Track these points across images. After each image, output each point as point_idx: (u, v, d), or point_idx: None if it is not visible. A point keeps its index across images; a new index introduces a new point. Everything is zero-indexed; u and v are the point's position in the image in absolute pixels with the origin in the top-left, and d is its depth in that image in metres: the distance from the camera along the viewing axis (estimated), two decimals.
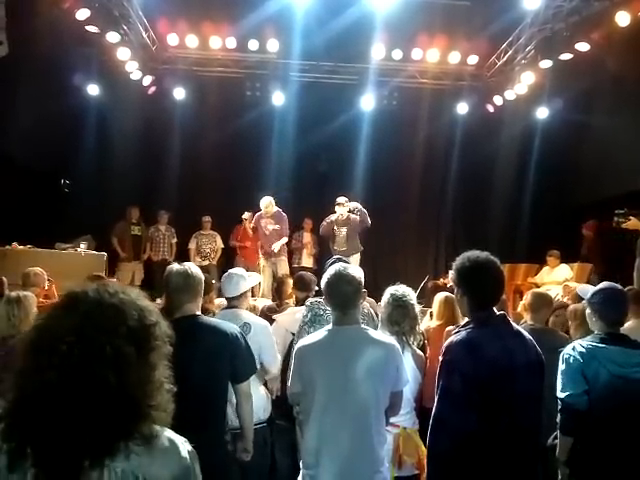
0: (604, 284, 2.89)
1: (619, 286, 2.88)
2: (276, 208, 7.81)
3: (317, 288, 4.12)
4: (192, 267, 2.82)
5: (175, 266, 2.82)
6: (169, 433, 1.26)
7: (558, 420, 2.70)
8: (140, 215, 9.14)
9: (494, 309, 2.37)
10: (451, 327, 3.55)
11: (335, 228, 7.52)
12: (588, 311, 2.85)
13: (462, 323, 2.43)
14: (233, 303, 3.42)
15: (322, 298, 3.41)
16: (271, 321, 3.95)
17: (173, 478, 1.21)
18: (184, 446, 1.27)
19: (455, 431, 2.19)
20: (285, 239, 7.83)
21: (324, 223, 7.65)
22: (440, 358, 2.33)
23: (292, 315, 4.02)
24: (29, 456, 1.12)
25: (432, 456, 2.29)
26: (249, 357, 2.84)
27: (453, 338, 2.33)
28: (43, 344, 1.15)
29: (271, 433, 3.45)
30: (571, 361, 2.67)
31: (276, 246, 7.56)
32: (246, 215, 8.12)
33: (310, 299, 3.76)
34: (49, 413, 1.11)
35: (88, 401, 1.11)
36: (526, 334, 2.39)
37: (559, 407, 2.69)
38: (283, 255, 7.77)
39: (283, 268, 7.58)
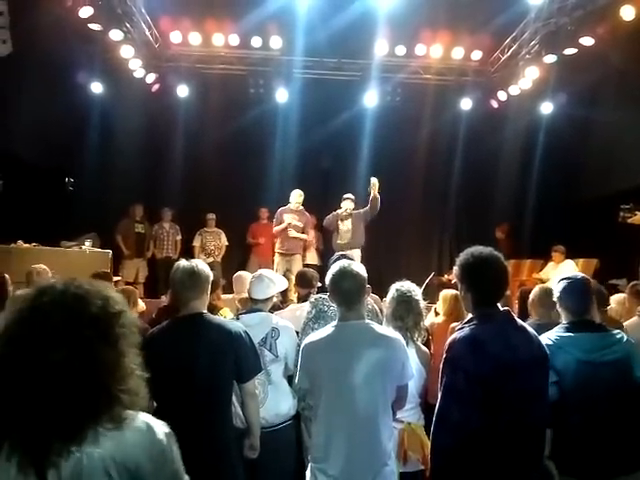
0: (568, 274, 2.91)
1: (582, 275, 2.88)
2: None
3: (320, 284, 4.12)
4: (199, 264, 2.81)
5: (182, 262, 2.81)
6: (144, 416, 1.31)
7: None
8: (144, 213, 9.17)
9: (498, 305, 2.36)
10: (455, 323, 3.55)
11: (339, 221, 7.51)
12: (555, 301, 2.86)
13: (466, 319, 2.43)
14: (259, 306, 3.40)
15: (326, 294, 3.43)
16: None
17: (149, 459, 1.26)
18: (160, 428, 1.32)
19: (458, 427, 2.18)
20: (305, 236, 7.80)
21: (329, 216, 7.65)
22: (443, 355, 2.32)
23: (292, 312, 4.03)
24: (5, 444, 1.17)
25: (435, 452, 2.29)
26: (253, 357, 2.83)
27: (456, 335, 2.33)
28: (9, 332, 1.22)
29: (298, 427, 3.43)
30: None
31: (292, 233, 7.54)
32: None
33: (314, 295, 3.76)
34: (16, 399, 1.17)
35: (52, 385, 1.17)
36: (530, 330, 2.38)
37: None
38: (298, 253, 7.74)
39: (297, 266, 7.55)
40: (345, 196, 7.64)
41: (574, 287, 2.77)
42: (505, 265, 2.38)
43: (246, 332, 2.81)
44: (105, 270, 5.23)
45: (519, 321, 2.39)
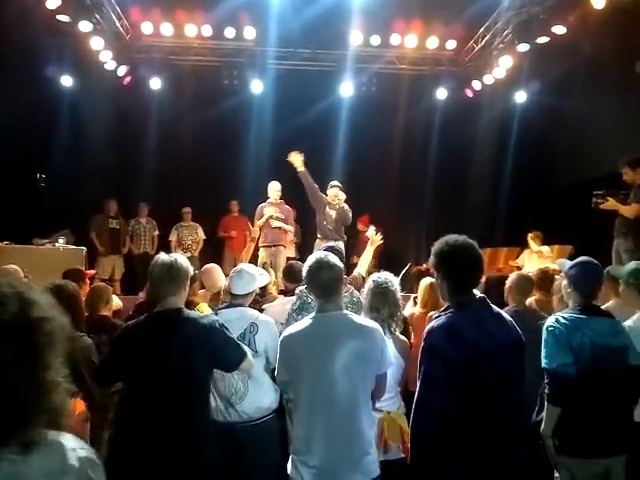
0: (582, 258, 2.98)
1: (595, 261, 2.96)
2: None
3: None
4: (179, 258, 2.76)
5: (162, 256, 2.76)
6: (64, 438, 1.15)
7: (546, 391, 2.76)
8: (118, 208, 9.03)
9: (474, 292, 2.38)
10: (433, 312, 3.57)
11: (328, 208, 7.29)
12: (565, 282, 2.94)
13: (442, 308, 2.44)
14: (239, 301, 3.36)
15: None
16: (259, 311, 3.94)
17: None
18: (75, 453, 1.15)
19: (437, 415, 2.21)
20: (290, 227, 7.68)
21: (319, 195, 7.39)
22: (421, 343, 2.33)
23: (282, 306, 4.00)
24: None
25: (415, 439, 2.32)
26: (233, 345, 2.79)
27: (434, 323, 2.35)
28: None
29: (282, 420, 3.42)
30: (557, 332, 2.74)
31: (275, 223, 7.41)
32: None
33: (300, 287, 3.74)
34: None
35: None
36: (506, 316, 2.42)
37: (547, 379, 2.75)
38: (282, 244, 7.63)
39: (282, 258, 7.46)
40: (332, 184, 7.35)
41: (589, 270, 2.87)
42: (480, 253, 2.39)
43: (221, 324, 2.77)
44: (77, 267, 5.12)
45: (495, 308, 2.42)
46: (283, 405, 3.37)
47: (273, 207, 7.52)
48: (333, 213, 7.17)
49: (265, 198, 7.64)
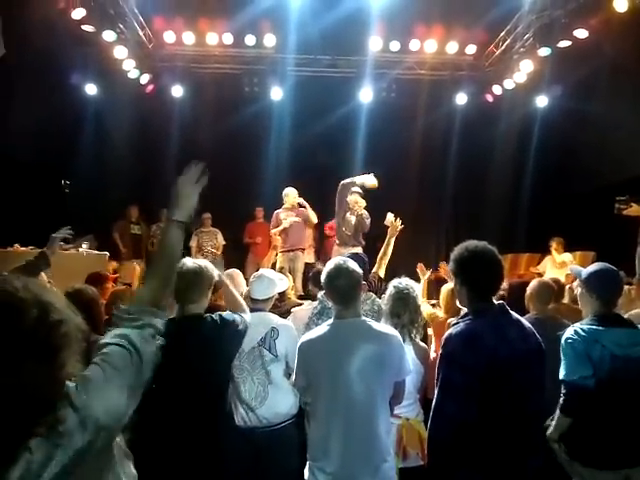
0: (599, 264, 2.92)
1: (613, 266, 2.89)
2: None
3: None
4: (204, 264, 2.79)
5: (187, 262, 2.77)
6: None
7: (560, 401, 2.72)
8: (139, 214, 9.16)
9: (493, 299, 2.36)
10: (452, 319, 3.55)
11: (348, 214, 7.26)
12: (582, 290, 2.88)
13: (461, 314, 2.43)
14: (260, 305, 3.37)
15: None
16: (287, 314, 3.94)
17: (89, 438, 1.18)
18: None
19: (455, 422, 2.20)
20: (312, 216, 7.63)
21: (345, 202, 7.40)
22: (440, 350, 2.33)
23: (309, 311, 4.00)
24: None
25: (433, 446, 2.31)
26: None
27: (452, 330, 2.33)
28: None
29: (301, 425, 3.40)
30: (575, 345, 2.70)
31: (288, 220, 7.42)
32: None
33: (321, 292, 3.76)
34: None
35: None
36: (526, 323, 2.39)
37: (564, 389, 2.71)
38: (300, 249, 7.64)
39: (300, 263, 7.47)
40: (354, 189, 7.22)
41: (608, 276, 2.81)
42: (500, 259, 2.37)
43: (238, 324, 2.82)
44: (99, 271, 5.20)
45: (514, 314, 2.39)
46: (303, 411, 3.37)
47: (287, 212, 7.54)
48: (353, 219, 7.16)
49: (281, 202, 7.68)
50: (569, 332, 2.77)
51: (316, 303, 3.69)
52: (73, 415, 1.18)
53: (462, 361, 2.20)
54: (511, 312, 2.38)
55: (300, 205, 7.65)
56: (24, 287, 1.16)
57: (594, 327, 2.71)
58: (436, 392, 2.29)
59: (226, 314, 2.82)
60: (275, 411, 3.19)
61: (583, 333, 2.70)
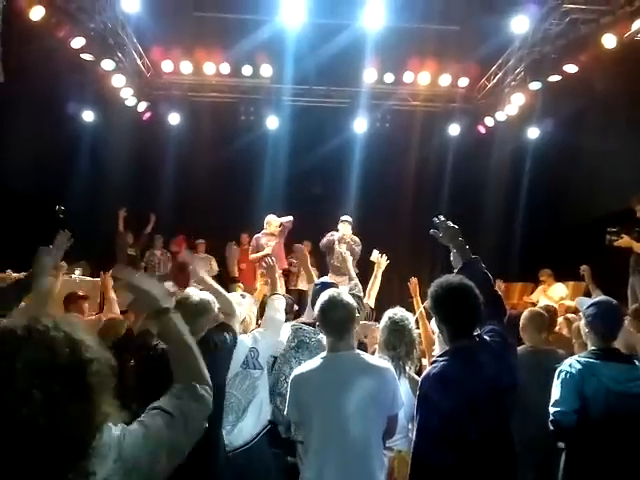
0: (600, 297, 2.92)
1: (614, 300, 2.87)
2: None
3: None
4: (204, 297, 2.87)
5: (193, 294, 2.85)
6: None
7: (551, 430, 2.69)
8: (134, 240, 9.18)
9: (473, 335, 2.31)
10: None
11: (336, 244, 7.36)
12: (582, 323, 2.86)
13: (440, 353, 2.40)
14: None
15: (305, 322, 3.43)
16: None
17: None
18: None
19: (433, 467, 2.14)
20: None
21: (325, 239, 7.50)
22: (417, 391, 2.29)
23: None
24: None
25: None
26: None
27: (428, 371, 2.30)
28: None
29: (271, 439, 3.41)
30: (568, 377, 2.66)
31: (269, 246, 7.45)
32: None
33: (293, 323, 3.74)
34: None
35: (19, 446, 1.06)
36: (508, 356, 2.34)
37: (550, 422, 2.67)
38: (281, 274, 7.64)
39: (282, 289, 7.46)
40: (343, 218, 7.46)
41: (607, 310, 2.77)
42: (476, 293, 2.29)
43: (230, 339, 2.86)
44: (75, 291, 5.17)
45: (495, 346, 2.30)
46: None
47: (268, 237, 7.56)
48: (343, 247, 7.21)
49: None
50: (566, 364, 2.73)
51: (289, 334, 3.61)
52: (112, 465, 1.20)
53: (438, 405, 2.15)
54: (491, 344, 2.30)
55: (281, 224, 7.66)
56: (55, 326, 1.17)
57: (591, 360, 2.68)
58: (414, 435, 2.25)
59: (216, 336, 2.82)
60: (251, 432, 3.20)
61: (579, 366, 2.66)
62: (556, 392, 2.68)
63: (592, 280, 5.24)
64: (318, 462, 2.42)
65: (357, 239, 7.39)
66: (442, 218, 2.67)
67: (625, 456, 2.57)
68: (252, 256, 7.58)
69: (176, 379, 1.50)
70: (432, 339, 3.73)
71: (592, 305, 2.82)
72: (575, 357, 2.77)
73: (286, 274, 8.63)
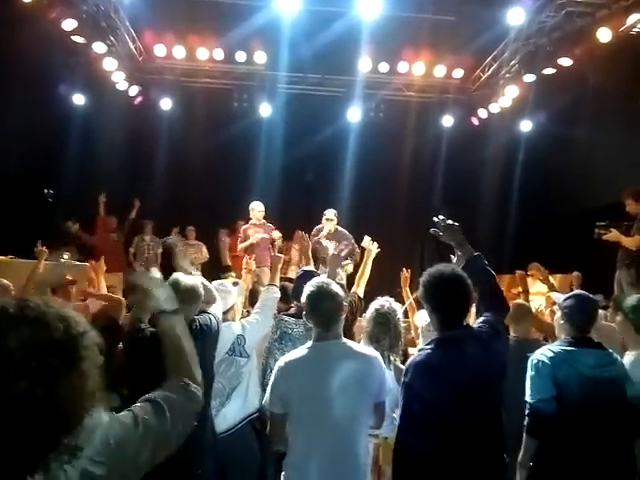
0: (576, 291, 3.01)
1: (589, 294, 2.95)
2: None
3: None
4: (199, 281, 2.88)
5: (182, 278, 2.82)
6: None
7: (525, 423, 2.72)
8: (118, 225, 9.13)
9: (462, 324, 2.33)
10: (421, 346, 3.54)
11: (322, 240, 7.39)
12: (558, 315, 2.94)
13: (427, 341, 2.41)
14: (222, 317, 3.34)
15: (286, 313, 3.43)
16: None
17: (108, 472, 1.23)
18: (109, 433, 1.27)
19: (415, 455, 2.16)
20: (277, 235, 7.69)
21: (312, 234, 7.51)
22: (401, 378, 2.31)
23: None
24: None
25: (396, 477, 2.27)
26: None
27: (414, 358, 2.31)
28: None
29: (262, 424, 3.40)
30: (540, 366, 2.72)
31: (257, 236, 7.49)
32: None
33: (275, 314, 3.74)
34: None
35: (10, 421, 1.08)
36: (495, 345, 2.35)
37: (527, 411, 2.71)
38: (266, 265, 7.68)
39: (266, 279, 7.49)
40: (327, 216, 7.43)
41: (583, 304, 2.84)
42: (467, 283, 2.31)
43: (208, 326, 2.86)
44: (67, 277, 5.14)
45: (483, 337, 2.33)
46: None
47: (255, 228, 7.56)
48: (332, 244, 7.20)
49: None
50: (537, 354, 2.79)
51: (272, 326, 3.62)
52: (99, 446, 1.23)
53: (421, 393, 2.17)
54: (481, 335, 2.33)
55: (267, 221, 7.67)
56: (45, 303, 1.20)
57: (563, 348, 2.74)
58: (398, 421, 2.26)
59: (202, 320, 2.82)
60: (240, 416, 3.25)
61: (551, 354, 2.72)
62: (530, 382, 2.73)
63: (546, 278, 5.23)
64: (303, 449, 2.42)
65: (346, 232, 7.38)
66: (442, 217, 2.70)
67: (598, 441, 2.60)
68: (240, 245, 7.58)
69: (169, 375, 1.53)
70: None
71: (569, 297, 2.91)
72: (548, 346, 2.84)
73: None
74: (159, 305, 1.65)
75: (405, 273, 4.69)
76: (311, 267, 4.05)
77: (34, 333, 1.14)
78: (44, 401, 1.10)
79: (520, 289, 8.04)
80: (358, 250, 7.09)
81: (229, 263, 9.22)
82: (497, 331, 2.37)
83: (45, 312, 1.18)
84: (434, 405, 2.14)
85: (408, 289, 4.59)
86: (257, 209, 7.60)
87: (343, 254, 6.75)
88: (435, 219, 2.71)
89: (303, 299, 2.60)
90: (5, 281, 4.68)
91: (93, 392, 1.21)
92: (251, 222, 7.65)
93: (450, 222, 2.68)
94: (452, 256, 2.89)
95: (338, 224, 7.61)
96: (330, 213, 7.45)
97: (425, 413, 2.15)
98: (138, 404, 1.38)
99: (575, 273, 6.32)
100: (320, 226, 7.55)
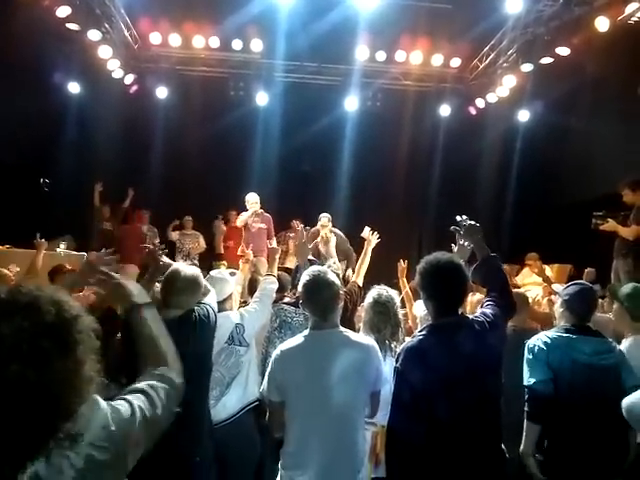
0: (576, 283, 3.01)
1: (589, 284, 3.02)
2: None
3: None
4: (196, 272, 2.85)
5: (183, 268, 2.82)
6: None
7: (526, 409, 2.74)
8: (111, 214, 9.11)
9: (457, 312, 2.34)
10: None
11: (320, 247, 7.33)
12: (558, 303, 2.98)
13: (419, 328, 2.42)
14: (221, 306, 3.34)
15: (285, 302, 3.43)
16: None
17: (111, 456, 1.23)
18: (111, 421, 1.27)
19: (406, 442, 2.17)
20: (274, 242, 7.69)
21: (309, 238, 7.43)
22: (394, 363, 2.32)
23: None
24: None
25: (387, 464, 2.29)
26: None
27: (406, 344, 2.32)
28: None
29: (259, 414, 3.40)
30: (536, 350, 2.76)
31: (255, 225, 7.48)
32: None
33: (276, 303, 3.75)
34: None
35: (10, 402, 1.09)
36: (490, 334, 2.33)
37: (526, 395, 2.74)
38: (263, 255, 7.67)
39: (263, 268, 7.47)
40: (321, 222, 7.31)
41: (584, 293, 2.88)
42: (463, 272, 2.33)
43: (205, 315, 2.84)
44: (59, 264, 5.13)
45: (477, 327, 2.32)
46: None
47: (254, 218, 7.54)
48: (330, 245, 7.15)
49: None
50: (533, 339, 2.83)
51: (272, 315, 3.64)
52: (100, 431, 1.23)
53: (411, 379, 2.17)
54: (474, 325, 2.32)
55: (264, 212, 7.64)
56: (37, 288, 1.22)
57: (559, 334, 2.78)
58: (390, 409, 2.26)
59: (199, 311, 2.81)
60: (240, 405, 3.25)
61: (546, 339, 2.76)
62: (527, 366, 2.78)
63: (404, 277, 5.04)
64: (300, 437, 2.43)
65: (339, 232, 7.35)
66: (465, 217, 2.75)
67: (592, 428, 2.63)
68: (239, 220, 7.55)
69: (146, 364, 1.53)
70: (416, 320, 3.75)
71: (570, 286, 2.96)
72: (543, 332, 2.88)
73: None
74: (130, 299, 1.65)
75: (402, 264, 4.68)
76: (310, 257, 4.05)
77: (25, 317, 1.14)
78: (38, 384, 1.10)
79: (515, 280, 8.13)
80: (354, 255, 7.06)
81: (222, 251, 9.23)
82: (495, 324, 2.35)
83: (37, 297, 1.19)
84: (423, 391, 2.15)
85: (405, 279, 4.59)
86: (252, 201, 7.57)
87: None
88: (458, 218, 2.75)
89: (299, 288, 2.61)
90: (5, 270, 4.68)
91: (90, 377, 1.21)
92: (253, 209, 7.63)
93: (472, 222, 2.72)
94: (453, 245, 2.90)
95: (334, 225, 7.53)
96: (324, 219, 7.41)
97: (414, 399, 2.15)
98: (128, 393, 1.38)
99: (588, 269, 6.33)
100: (315, 229, 7.45)
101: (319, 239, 7.26)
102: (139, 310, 1.63)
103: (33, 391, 1.10)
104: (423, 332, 2.30)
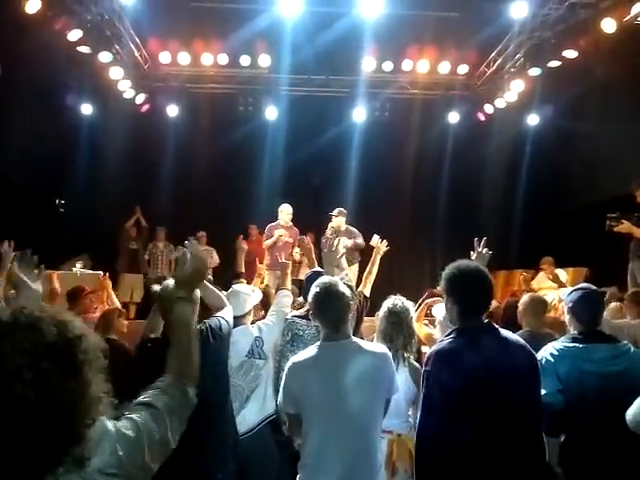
0: (580, 285, 2.94)
1: (594, 287, 2.91)
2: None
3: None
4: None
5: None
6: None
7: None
8: (137, 233, 9.21)
9: (482, 317, 2.37)
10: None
11: (335, 241, 7.30)
12: (565, 311, 2.92)
13: (447, 332, 2.44)
14: (240, 320, 3.41)
15: (297, 316, 3.44)
16: None
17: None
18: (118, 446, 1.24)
19: (436, 444, 2.18)
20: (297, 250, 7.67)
21: (323, 239, 7.47)
22: (423, 367, 2.34)
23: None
24: None
25: (417, 467, 2.30)
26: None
27: (434, 348, 2.35)
28: None
29: (274, 428, 3.42)
30: (543, 362, 2.70)
31: (283, 238, 7.45)
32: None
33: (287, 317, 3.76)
34: None
35: (12, 426, 1.07)
36: (516, 341, 2.37)
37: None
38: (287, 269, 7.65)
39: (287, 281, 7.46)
40: (334, 213, 7.36)
41: (588, 298, 2.81)
42: (490, 279, 2.39)
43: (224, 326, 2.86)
44: (78, 286, 5.19)
45: (503, 332, 2.37)
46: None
47: (282, 229, 7.55)
48: (339, 240, 7.14)
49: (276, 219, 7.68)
50: (541, 351, 2.77)
51: (283, 328, 3.62)
52: (108, 457, 1.21)
53: (440, 379, 2.21)
54: (500, 330, 2.37)
55: (301, 228, 7.66)
56: (40, 309, 1.20)
57: (566, 344, 2.73)
58: (419, 412, 2.29)
59: (212, 322, 2.82)
60: (255, 419, 3.26)
61: (552, 350, 2.72)
62: None
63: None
64: (316, 449, 2.42)
65: (354, 230, 7.35)
66: (483, 243, 2.98)
67: (607, 436, 2.56)
68: (265, 243, 7.57)
69: (168, 371, 1.51)
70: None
71: (573, 292, 2.87)
72: (552, 343, 2.82)
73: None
74: (190, 284, 1.71)
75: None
76: (318, 268, 4.05)
77: (25, 338, 1.13)
78: (39, 405, 1.08)
79: (523, 287, 8.06)
80: (363, 243, 7.03)
81: (243, 270, 9.26)
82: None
83: (39, 317, 1.17)
84: (454, 392, 2.17)
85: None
86: (286, 212, 7.59)
87: (347, 246, 6.74)
88: (475, 240, 2.99)
89: (310, 300, 2.60)
90: (56, 284, 4.72)
91: (97, 398, 1.19)
92: (279, 223, 7.64)
93: (484, 251, 2.93)
94: (472, 252, 2.91)
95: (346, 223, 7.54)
96: (335, 210, 7.44)
97: (445, 400, 2.17)
98: (134, 410, 1.36)
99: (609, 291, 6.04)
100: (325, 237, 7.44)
101: (329, 231, 7.21)
102: (176, 302, 1.66)
103: (35, 411, 1.08)
104: (452, 335, 2.33)
